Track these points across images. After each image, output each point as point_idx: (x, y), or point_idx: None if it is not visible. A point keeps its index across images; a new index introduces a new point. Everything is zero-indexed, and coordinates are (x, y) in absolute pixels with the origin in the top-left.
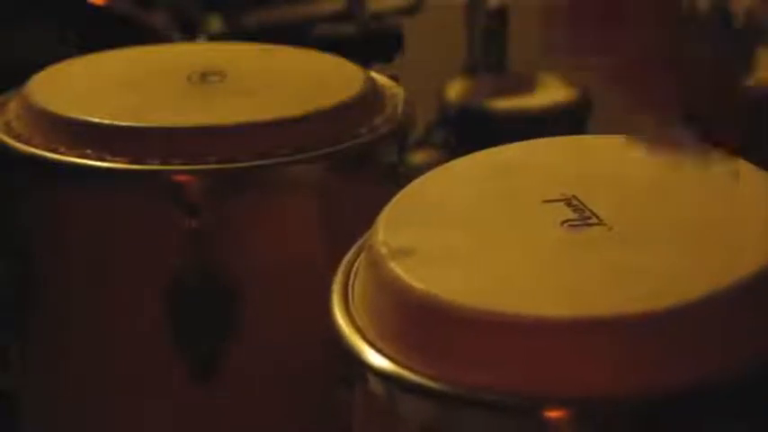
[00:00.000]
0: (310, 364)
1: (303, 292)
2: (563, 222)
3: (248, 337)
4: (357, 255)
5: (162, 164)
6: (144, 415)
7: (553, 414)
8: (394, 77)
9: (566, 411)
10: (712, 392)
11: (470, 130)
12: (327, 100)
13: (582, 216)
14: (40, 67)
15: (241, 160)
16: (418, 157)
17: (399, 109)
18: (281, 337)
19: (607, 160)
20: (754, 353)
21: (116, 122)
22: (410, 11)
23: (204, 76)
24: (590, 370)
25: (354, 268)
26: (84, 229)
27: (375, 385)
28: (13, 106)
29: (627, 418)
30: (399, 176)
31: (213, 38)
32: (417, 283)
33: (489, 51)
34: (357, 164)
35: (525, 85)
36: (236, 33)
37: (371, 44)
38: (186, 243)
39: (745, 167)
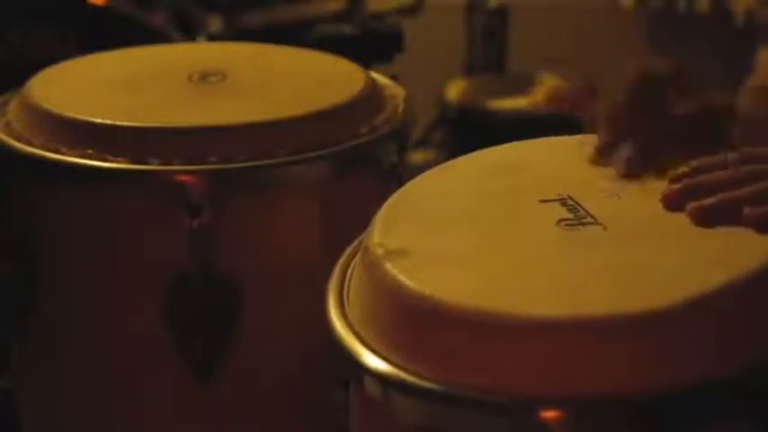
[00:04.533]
0: (310, 363)
1: (303, 291)
2: (558, 222)
3: (248, 336)
4: (353, 256)
5: (163, 164)
6: (144, 414)
7: (549, 414)
8: (394, 77)
9: (562, 411)
10: (709, 392)
11: (470, 130)
12: (327, 100)
13: (577, 215)
14: (40, 67)
15: (242, 160)
16: (418, 157)
17: (399, 109)
18: (280, 336)
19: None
20: (751, 353)
21: (117, 123)
22: (410, 11)
23: (205, 76)
24: (586, 370)
25: (350, 269)
26: (84, 228)
27: (370, 386)
28: (13, 106)
29: (623, 418)
30: (400, 176)
31: (213, 38)
32: (412, 284)
33: (489, 51)
34: (357, 163)
35: (525, 85)
36: (236, 33)
37: (371, 44)
38: (187, 243)
39: None
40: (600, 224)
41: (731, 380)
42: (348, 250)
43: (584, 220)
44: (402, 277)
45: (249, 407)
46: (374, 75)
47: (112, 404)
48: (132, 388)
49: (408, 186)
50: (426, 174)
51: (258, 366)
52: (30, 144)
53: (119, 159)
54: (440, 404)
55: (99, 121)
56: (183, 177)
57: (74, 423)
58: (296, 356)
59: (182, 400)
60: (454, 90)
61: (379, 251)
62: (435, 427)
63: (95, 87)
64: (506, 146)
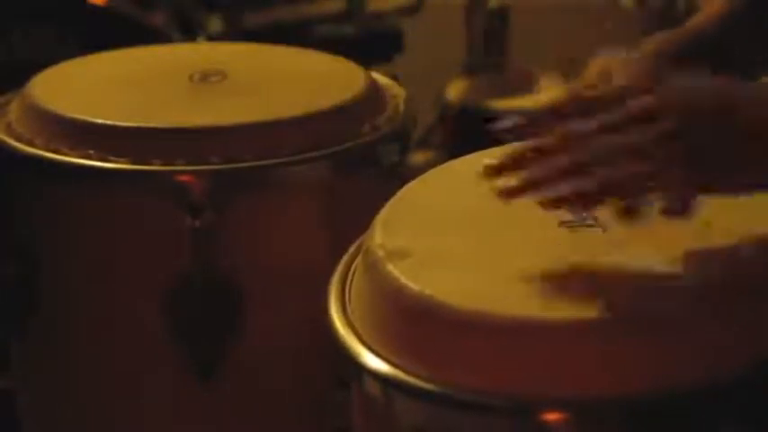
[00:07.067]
0: (310, 363)
1: (305, 291)
2: (560, 224)
3: (249, 336)
4: (354, 257)
5: (164, 164)
6: (144, 414)
7: (549, 416)
8: (394, 77)
9: (562, 413)
10: (711, 394)
11: (470, 130)
12: (328, 100)
13: (579, 217)
14: (41, 67)
15: (243, 160)
16: (418, 157)
17: (400, 109)
18: (281, 336)
19: None
20: (753, 354)
21: (118, 123)
22: (410, 11)
23: (205, 77)
24: (587, 372)
25: (351, 270)
26: (86, 229)
27: (371, 386)
28: (14, 107)
29: (624, 419)
30: (401, 176)
31: (213, 38)
32: (413, 285)
33: (489, 51)
34: (358, 163)
35: (525, 85)
36: (236, 33)
37: (371, 44)
38: (188, 243)
39: None
40: (599, 226)
41: (733, 381)
42: (350, 251)
43: (585, 222)
44: (403, 278)
45: (249, 407)
46: (374, 75)
47: (112, 404)
48: (132, 388)
49: (409, 187)
50: (427, 175)
51: (258, 366)
52: (31, 144)
53: (120, 160)
54: (440, 405)
55: (100, 121)
56: (185, 177)
57: (74, 423)
58: (296, 356)
59: (182, 400)
60: (454, 90)
61: (380, 252)
62: (435, 427)
63: (96, 87)
64: (507, 147)
